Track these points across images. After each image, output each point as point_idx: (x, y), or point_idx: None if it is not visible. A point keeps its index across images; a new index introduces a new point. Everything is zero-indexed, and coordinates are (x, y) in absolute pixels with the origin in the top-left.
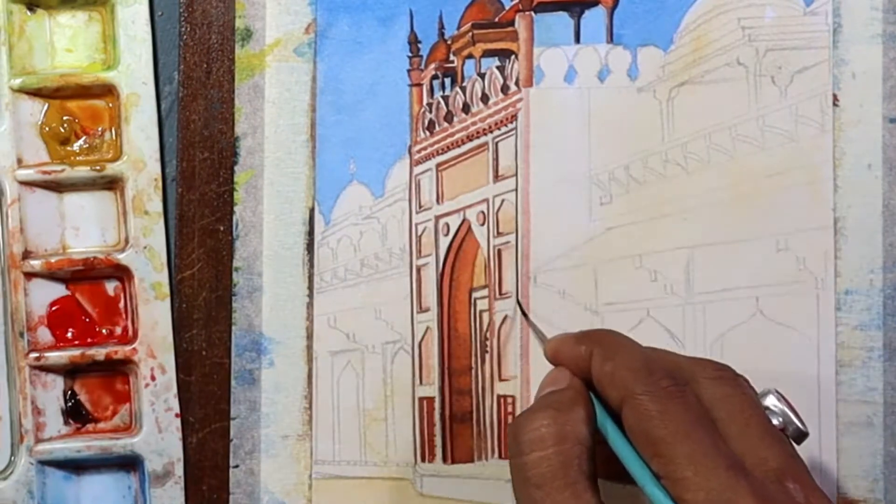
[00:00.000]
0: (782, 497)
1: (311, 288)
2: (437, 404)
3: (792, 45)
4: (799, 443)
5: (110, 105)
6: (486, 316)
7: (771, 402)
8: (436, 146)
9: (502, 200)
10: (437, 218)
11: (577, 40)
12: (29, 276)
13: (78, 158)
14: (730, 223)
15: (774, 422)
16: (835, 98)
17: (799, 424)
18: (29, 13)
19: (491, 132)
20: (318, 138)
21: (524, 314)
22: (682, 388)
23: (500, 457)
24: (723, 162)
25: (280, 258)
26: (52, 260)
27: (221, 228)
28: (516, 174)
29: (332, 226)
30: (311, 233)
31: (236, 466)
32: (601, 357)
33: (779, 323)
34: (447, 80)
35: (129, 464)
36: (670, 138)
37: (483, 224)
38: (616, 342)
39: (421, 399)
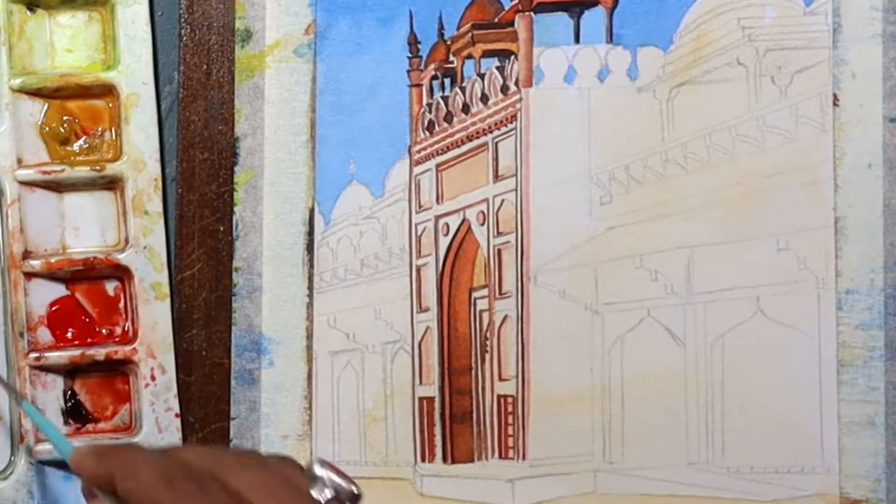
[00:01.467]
0: None
1: (311, 288)
2: (437, 404)
3: (792, 45)
4: (356, 503)
5: (110, 105)
6: (486, 316)
7: (317, 471)
8: (436, 146)
9: (502, 200)
10: (437, 218)
11: (577, 40)
12: (29, 276)
13: (78, 158)
14: (730, 223)
15: (325, 492)
16: (835, 98)
17: (350, 488)
18: (29, 13)
19: (491, 132)
20: (318, 138)
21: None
22: (205, 487)
23: (500, 457)
24: (723, 162)
25: (280, 258)
26: (52, 260)
27: (221, 228)
28: (516, 174)
29: (332, 226)
30: (311, 233)
31: None
32: (121, 476)
33: (779, 322)
34: (447, 81)
35: None
36: (670, 138)
37: (483, 224)
38: (133, 459)
39: (421, 399)
